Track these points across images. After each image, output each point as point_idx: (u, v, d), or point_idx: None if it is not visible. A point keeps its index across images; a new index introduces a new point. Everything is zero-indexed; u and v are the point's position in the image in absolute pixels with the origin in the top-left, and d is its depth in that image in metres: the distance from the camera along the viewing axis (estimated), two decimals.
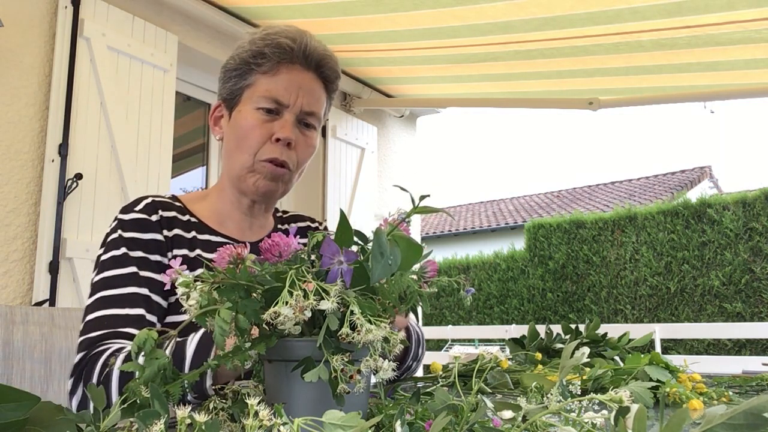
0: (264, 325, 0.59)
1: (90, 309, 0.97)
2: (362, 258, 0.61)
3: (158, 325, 1.01)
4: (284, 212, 1.31)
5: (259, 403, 0.45)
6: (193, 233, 1.10)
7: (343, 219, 0.60)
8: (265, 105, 1.07)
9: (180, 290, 0.59)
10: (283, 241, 0.60)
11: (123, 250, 1.02)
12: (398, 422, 0.49)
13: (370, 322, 0.55)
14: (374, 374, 0.60)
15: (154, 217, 1.06)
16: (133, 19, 2.83)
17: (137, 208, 1.06)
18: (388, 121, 4.73)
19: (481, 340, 6.38)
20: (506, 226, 13.42)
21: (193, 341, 0.82)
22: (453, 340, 6.84)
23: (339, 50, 3.66)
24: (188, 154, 3.72)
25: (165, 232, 1.06)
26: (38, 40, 2.54)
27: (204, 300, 0.57)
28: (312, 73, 1.11)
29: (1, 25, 2.34)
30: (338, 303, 0.56)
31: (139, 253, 1.02)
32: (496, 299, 7.79)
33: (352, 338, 0.54)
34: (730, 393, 0.95)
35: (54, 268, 2.41)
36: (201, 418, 0.45)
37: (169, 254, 1.06)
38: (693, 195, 6.99)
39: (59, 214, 2.45)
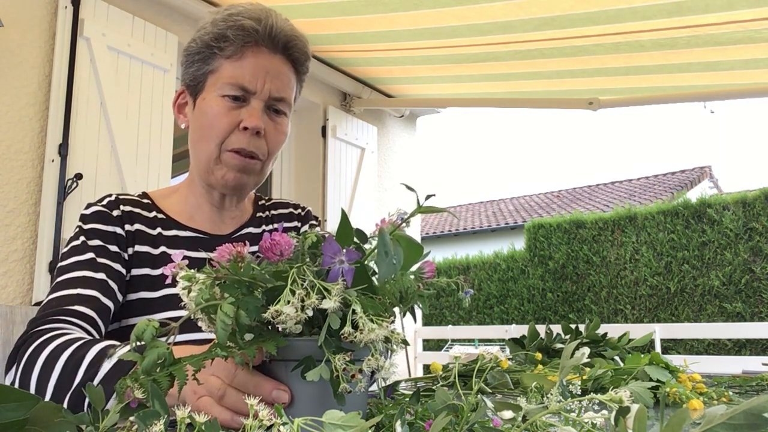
0: (262, 325, 0.59)
1: (46, 296, 0.97)
2: (363, 257, 0.61)
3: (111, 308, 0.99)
4: (268, 199, 1.27)
5: (258, 403, 0.45)
6: (159, 230, 1.07)
7: (344, 218, 0.60)
8: (230, 92, 1.01)
9: (181, 284, 0.59)
10: (284, 241, 0.60)
11: (81, 239, 1.01)
12: (398, 422, 0.49)
13: (372, 321, 0.55)
14: (372, 375, 0.60)
15: (115, 212, 1.04)
16: (133, 19, 2.83)
17: (99, 204, 1.06)
18: (388, 121, 4.73)
19: (481, 340, 6.38)
20: (506, 226, 13.42)
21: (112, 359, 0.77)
22: (453, 340, 6.84)
23: (339, 50, 3.66)
24: (188, 154, 3.72)
25: (127, 227, 1.04)
26: (38, 40, 2.54)
27: (205, 295, 0.56)
28: (280, 55, 1.04)
29: (1, 25, 2.34)
30: (340, 302, 0.56)
31: (97, 242, 1.01)
32: (496, 299, 7.78)
33: (355, 337, 0.54)
34: (730, 393, 0.95)
35: (54, 268, 2.41)
36: (201, 418, 0.45)
37: (130, 249, 1.03)
38: (693, 195, 6.98)
39: (59, 214, 2.45)
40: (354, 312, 0.55)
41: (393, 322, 0.60)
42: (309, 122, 4.08)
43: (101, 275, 0.98)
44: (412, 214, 0.63)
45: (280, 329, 0.58)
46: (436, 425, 0.47)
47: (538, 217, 9.83)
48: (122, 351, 0.75)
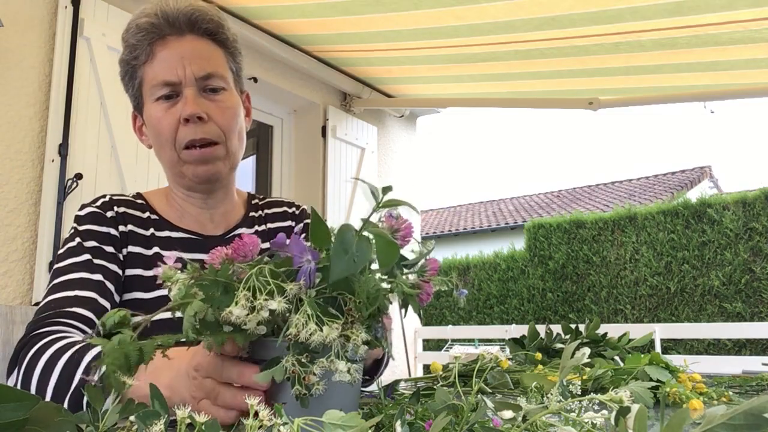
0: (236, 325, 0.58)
1: (43, 298, 0.96)
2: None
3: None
4: (261, 198, 1.25)
5: (259, 403, 0.45)
6: (152, 230, 1.07)
7: (316, 217, 0.60)
8: (160, 93, 1.01)
9: (165, 284, 0.59)
10: (249, 242, 0.60)
11: (77, 240, 1.01)
12: (398, 422, 0.49)
13: (322, 322, 0.54)
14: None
15: (109, 213, 1.04)
16: None
17: (93, 205, 1.06)
18: (388, 121, 4.72)
19: (481, 340, 6.37)
20: (506, 226, 13.41)
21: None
22: (453, 340, 6.83)
23: (339, 50, 3.66)
24: None
25: (120, 228, 1.04)
26: (38, 40, 2.54)
27: (182, 294, 0.57)
28: (188, 35, 1.02)
29: (1, 25, 2.34)
30: (290, 303, 0.54)
31: (93, 243, 1.00)
32: (496, 299, 7.78)
33: (307, 338, 0.53)
34: (730, 393, 0.95)
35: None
36: (201, 418, 0.45)
37: (124, 250, 1.03)
38: (693, 195, 6.98)
39: (59, 214, 2.45)
40: (302, 313, 0.54)
41: (363, 323, 0.59)
42: (309, 122, 4.08)
43: (98, 276, 0.98)
44: (374, 210, 0.63)
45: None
46: (436, 425, 0.47)
47: (538, 217, 9.83)
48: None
